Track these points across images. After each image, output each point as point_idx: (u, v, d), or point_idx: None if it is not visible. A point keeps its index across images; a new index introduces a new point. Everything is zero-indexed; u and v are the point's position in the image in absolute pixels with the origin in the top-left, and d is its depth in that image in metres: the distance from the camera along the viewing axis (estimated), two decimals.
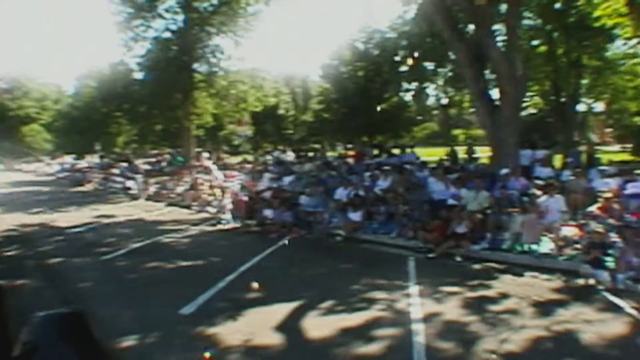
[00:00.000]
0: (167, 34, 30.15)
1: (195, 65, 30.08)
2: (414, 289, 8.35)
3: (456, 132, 48.49)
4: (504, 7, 15.56)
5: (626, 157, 35.95)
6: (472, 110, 55.07)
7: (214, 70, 30.50)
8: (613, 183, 12.64)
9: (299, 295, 7.91)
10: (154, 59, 29.45)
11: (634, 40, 19.37)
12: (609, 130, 42.52)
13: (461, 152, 23.11)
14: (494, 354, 5.74)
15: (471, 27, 18.70)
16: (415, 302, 7.59)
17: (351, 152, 24.43)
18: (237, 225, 14.91)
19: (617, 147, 38.35)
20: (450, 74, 27.60)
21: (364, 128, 34.11)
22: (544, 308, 7.44)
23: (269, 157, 29.85)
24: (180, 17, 29.64)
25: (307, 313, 7.15)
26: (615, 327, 6.67)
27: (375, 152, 21.93)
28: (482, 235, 11.39)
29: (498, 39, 14.70)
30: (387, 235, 12.35)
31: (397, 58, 27.45)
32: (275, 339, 6.27)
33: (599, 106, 31.73)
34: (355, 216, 12.83)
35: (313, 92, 45.46)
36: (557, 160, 18.69)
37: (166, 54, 29.08)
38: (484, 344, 6.05)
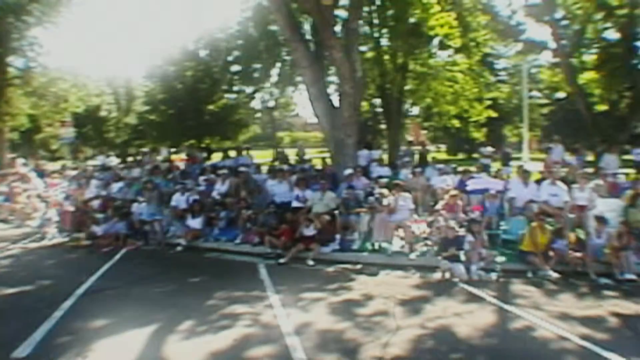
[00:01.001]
0: None
1: (10, 59, 26.35)
2: (274, 298, 7.76)
3: (281, 134, 49.38)
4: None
5: (443, 155, 39.95)
6: (294, 113, 57.41)
7: (32, 65, 27.25)
8: (450, 180, 13.44)
9: (151, 318, 6.82)
10: None
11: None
12: (424, 131, 46.86)
13: (291, 154, 23.26)
14: None
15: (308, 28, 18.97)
16: (280, 314, 7.00)
17: (178, 156, 23.14)
18: (65, 239, 12.94)
19: (432, 147, 42.31)
20: (278, 76, 27.77)
21: (191, 130, 32.77)
22: (412, 306, 7.41)
23: (90, 162, 27.06)
24: None
25: (166, 338, 6.14)
26: (484, 317, 6.86)
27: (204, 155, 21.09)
28: (332, 237, 11.25)
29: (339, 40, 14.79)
30: (231, 242, 11.61)
31: (230, 58, 26.74)
32: None
33: (415, 109, 34.77)
34: (195, 223, 11.87)
35: (137, 92, 42.79)
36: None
37: None
38: (366, 351, 5.70)
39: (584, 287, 8.30)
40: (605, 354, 5.54)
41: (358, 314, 7.04)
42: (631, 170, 14.87)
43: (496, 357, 5.63)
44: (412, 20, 21.03)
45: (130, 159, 22.57)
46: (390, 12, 21.90)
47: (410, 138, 41.71)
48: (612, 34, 22.82)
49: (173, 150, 29.91)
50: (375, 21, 23.44)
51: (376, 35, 24.20)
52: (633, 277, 8.47)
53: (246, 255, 11.04)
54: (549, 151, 16.85)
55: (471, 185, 12.25)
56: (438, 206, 11.53)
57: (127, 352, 5.74)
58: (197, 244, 11.65)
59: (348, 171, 13.49)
